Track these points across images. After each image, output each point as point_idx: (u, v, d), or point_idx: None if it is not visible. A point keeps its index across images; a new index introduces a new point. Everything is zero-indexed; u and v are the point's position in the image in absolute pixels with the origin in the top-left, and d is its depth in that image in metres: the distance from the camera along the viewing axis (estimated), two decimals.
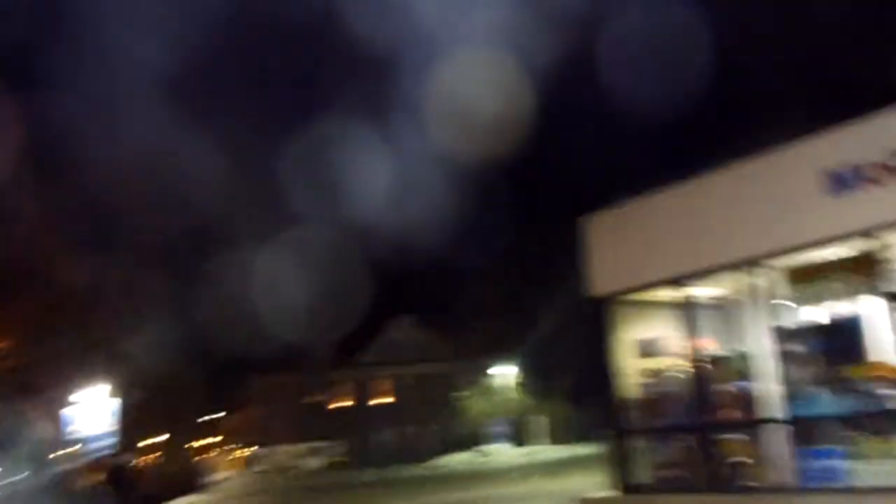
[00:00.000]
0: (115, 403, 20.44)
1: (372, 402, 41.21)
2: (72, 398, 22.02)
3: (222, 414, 48.70)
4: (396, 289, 44.75)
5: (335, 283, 38.81)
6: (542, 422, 31.90)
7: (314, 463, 32.35)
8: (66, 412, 21.53)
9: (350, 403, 42.83)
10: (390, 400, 42.23)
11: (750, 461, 9.50)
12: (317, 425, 35.47)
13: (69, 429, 21.23)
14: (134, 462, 15.27)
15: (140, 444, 41.62)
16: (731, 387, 9.91)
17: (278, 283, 31.78)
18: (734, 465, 9.61)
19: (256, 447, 35.46)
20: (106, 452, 15.65)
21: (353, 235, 33.19)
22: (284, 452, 33.40)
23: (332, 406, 42.26)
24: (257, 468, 32.88)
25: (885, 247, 8.12)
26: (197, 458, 40.66)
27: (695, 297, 10.15)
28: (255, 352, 37.84)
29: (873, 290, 8.34)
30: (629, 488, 10.43)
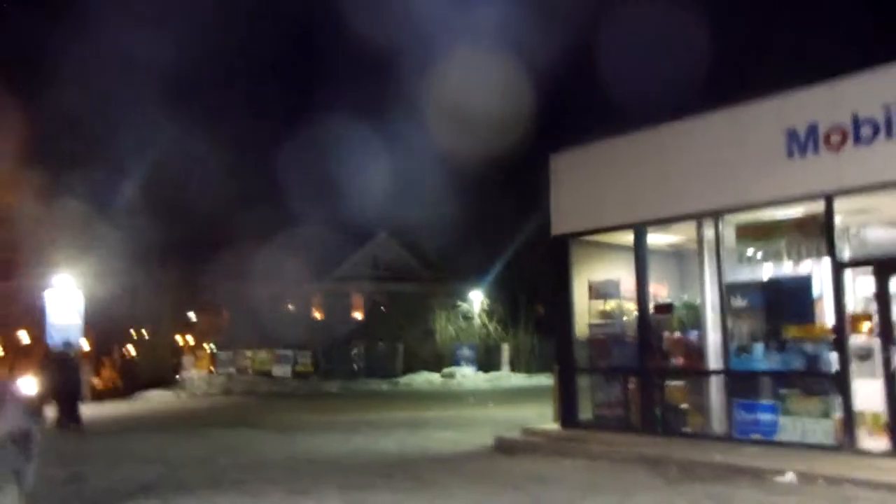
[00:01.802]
0: (81, 295, 20.55)
1: (343, 317, 41.68)
2: (46, 285, 22.12)
3: (193, 315, 49.19)
4: (374, 207, 44.69)
5: (315, 196, 38.84)
6: (505, 349, 32.47)
7: (280, 370, 32.89)
8: (44, 299, 21.58)
9: (320, 316, 43.34)
10: (360, 316, 42.76)
11: (687, 407, 9.83)
12: (285, 335, 35.90)
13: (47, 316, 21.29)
14: (76, 353, 15.43)
15: (117, 338, 42.21)
16: (676, 334, 10.13)
17: (258, 194, 31.68)
18: (672, 410, 9.93)
19: (223, 349, 35.92)
20: (65, 342, 15.83)
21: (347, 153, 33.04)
22: (250, 356, 33.89)
23: (303, 317, 42.77)
24: (223, 369, 33.42)
25: (835, 212, 8.19)
26: (172, 355, 41.26)
27: (649, 244, 10.25)
28: (229, 256, 38.07)
29: (819, 254, 8.44)
30: (569, 422, 10.77)
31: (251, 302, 41.08)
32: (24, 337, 29.84)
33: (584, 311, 11.09)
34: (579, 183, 11.00)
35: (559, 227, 11.20)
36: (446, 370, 31.02)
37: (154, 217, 36.97)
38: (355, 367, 34.15)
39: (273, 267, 41.34)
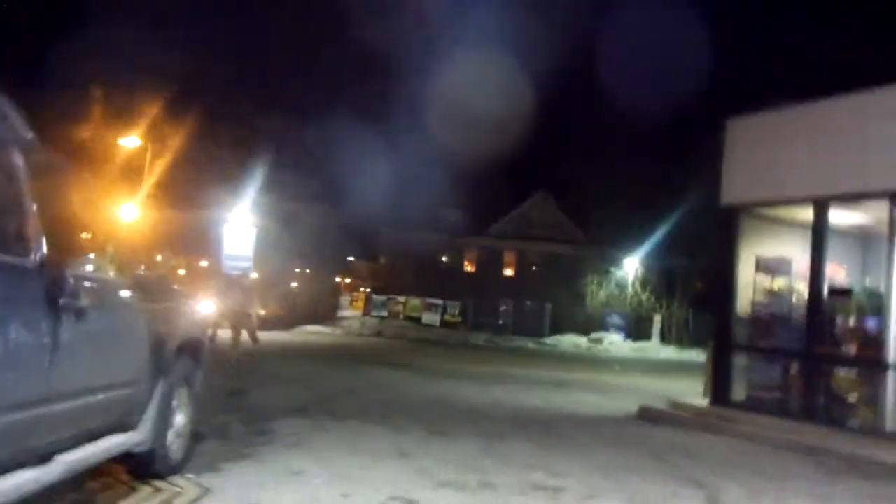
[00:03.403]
0: (254, 231, 22.07)
1: (495, 272, 42.03)
2: (224, 218, 23.97)
3: (353, 259, 51.48)
4: (538, 167, 44.34)
5: (479, 155, 39.13)
6: (657, 321, 31.48)
7: (429, 317, 33.85)
8: (222, 230, 23.39)
9: (473, 270, 43.92)
10: (513, 273, 42.91)
11: (856, 400, 9.08)
12: (437, 284, 36.81)
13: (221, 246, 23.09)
14: (250, 280, 16.78)
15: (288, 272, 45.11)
16: (852, 321, 9.33)
17: (428, 152, 32.31)
18: (838, 401, 9.20)
19: (378, 293, 37.44)
20: (242, 269, 17.26)
21: (505, 110, 32.91)
22: (402, 302, 35.08)
23: (456, 269, 43.56)
24: (376, 312, 34.85)
25: None
26: (331, 294, 43.64)
27: (830, 223, 9.42)
28: (394, 207, 39.29)
29: None
30: (720, 400, 10.26)
31: (408, 250, 42.44)
32: (203, 263, 32.54)
33: (748, 288, 10.45)
34: (756, 151, 10.27)
35: (730, 196, 10.54)
36: (594, 335, 30.62)
37: (321, 161, 38.82)
38: (502, 322, 34.52)
39: (432, 217, 42.34)
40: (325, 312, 36.45)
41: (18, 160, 3.38)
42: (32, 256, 3.31)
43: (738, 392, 10.25)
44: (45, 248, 3.37)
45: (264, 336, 18.00)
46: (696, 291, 30.73)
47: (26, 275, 3.26)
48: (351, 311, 36.00)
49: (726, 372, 10.34)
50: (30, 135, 3.63)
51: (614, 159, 32.02)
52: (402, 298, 35.25)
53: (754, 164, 10.25)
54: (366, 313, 35.35)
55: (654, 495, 5.28)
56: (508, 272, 43.03)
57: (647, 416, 9.74)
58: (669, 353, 28.11)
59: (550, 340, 30.30)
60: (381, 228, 44.64)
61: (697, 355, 21.24)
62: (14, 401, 3.05)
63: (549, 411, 9.84)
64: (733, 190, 10.51)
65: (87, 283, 3.71)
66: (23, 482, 3.16)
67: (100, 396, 3.90)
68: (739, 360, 10.39)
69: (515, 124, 33.76)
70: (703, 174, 11.99)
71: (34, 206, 3.39)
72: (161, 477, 4.61)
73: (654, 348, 29.21)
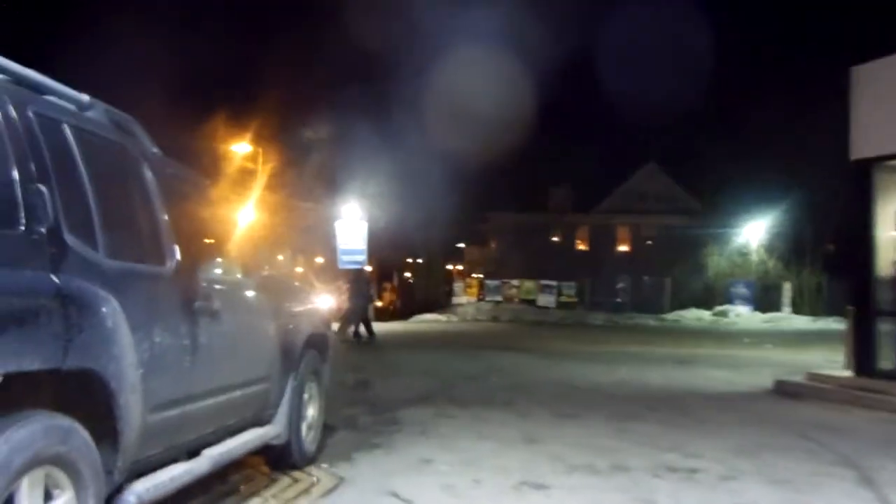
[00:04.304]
0: (366, 225, 22.48)
1: (608, 249, 41.20)
2: (336, 214, 24.62)
3: (464, 245, 51.78)
4: (644, 138, 43.01)
5: (583, 129, 38.38)
6: (787, 289, 29.88)
7: (545, 299, 33.58)
8: (335, 226, 24.04)
9: (586, 248, 43.21)
10: (627, 248, 41.92)
11: None
12: (551, 265, 36.45)
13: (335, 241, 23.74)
14: (366, 275, 17.31)
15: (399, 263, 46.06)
16: None
17: (530, 128, 31.98)
18: None
19: (491, 278, 37.48)
20: (358, 264, 17.83)
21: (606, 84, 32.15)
22: (516, 286, 34.96)
23: (567, 248, 42.99)
24: (490, 297, 34.90)
25: None
26: (444, 282, 44.15)
27: None
28: (499, 190, 39.17)
29: None
30: (865, 371, 9.63)
31: (517, 232, 42.26)
32: (319, 260, 33.64)
33: (889, 247, 9.74)
34: (887, 99, 9.50)
35: (861, 150, 9.81)
36: (718, 308, 29.48)
37: (428, 154, 39.15)
38: (620, 300, 33.82)
39: (538, 197, 41.99)
40: (439, 300, 36.91)
41: (149, 174, 3.55)
42: (168, 264, 3.48)
43: (885, 361, 9.58)
44: (178, 256, 3.53)
45: (382, 327, 18.40)
46: (829, 255, 28.94)
47: (164, 282, 3.44)
48: (465, 298, 36.21)
49: (870, 340, 9.68)
50: (155, 148, 3.82)
51: (726, 121, 30.59)
52: (515, 282, 35.13)
53: (886, 112, 9.50)
54: (480, 299, 35.48)
55: (800, 476, 4.98)
56: (623, 248, 42.07)
57: (784, 390, 9.27)
58: (802, 322, 26.67)
59: (672, 316, 29.43)
60: (488, 212, 44.58)
61: (833, 324, 20.06)
62: (163, 399, 3.23)
63: (677, 389, 9.53)
64: (864, 142, 9.78)
65: (218, 287, 3.87)
66: (176, 475, 3.35)
67: (237, 393, 4.08)
68: (884, 327, 9.70)
69: (622, 94, 32.91)
70: (829, 128, 11.20)
71: (166, 217, 3.56)
72: (298, 467, 4.78)
73: (785, 318, 27.79)
